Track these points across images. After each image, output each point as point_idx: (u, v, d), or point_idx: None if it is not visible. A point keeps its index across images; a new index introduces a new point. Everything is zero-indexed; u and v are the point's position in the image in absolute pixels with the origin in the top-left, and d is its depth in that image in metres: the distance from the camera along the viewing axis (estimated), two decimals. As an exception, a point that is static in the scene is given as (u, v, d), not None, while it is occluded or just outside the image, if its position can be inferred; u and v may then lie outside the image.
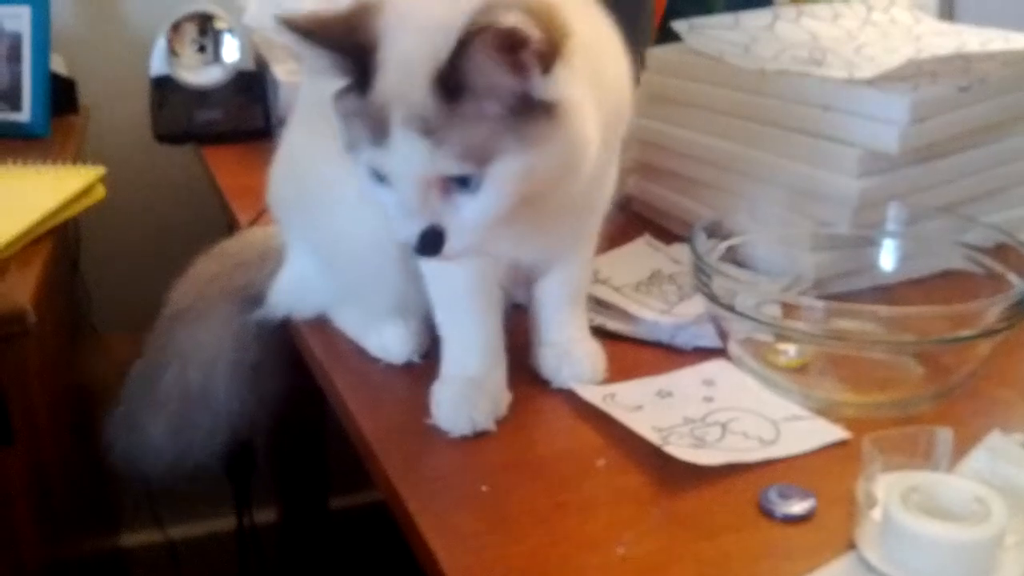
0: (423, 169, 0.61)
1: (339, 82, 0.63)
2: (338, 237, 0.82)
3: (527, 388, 0.78)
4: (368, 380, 0.82)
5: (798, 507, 0.63)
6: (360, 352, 0.85)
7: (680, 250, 0.98)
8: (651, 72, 1.09)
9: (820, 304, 0.75)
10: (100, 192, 1.17)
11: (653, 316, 0.86)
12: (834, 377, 0.75)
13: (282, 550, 1.68)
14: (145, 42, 1.47)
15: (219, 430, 0.92)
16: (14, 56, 1.40)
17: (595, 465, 0.69)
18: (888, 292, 0.87)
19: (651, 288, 0.92)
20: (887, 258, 0.88)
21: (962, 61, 0.92)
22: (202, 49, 1.44)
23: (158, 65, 1.44)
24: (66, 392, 1.21)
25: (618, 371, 0.80)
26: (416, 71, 0.60)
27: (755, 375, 0.77)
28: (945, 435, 0.63)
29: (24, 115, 1.40)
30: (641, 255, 0.99)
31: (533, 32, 0.57)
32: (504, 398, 0.76)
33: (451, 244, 0.63)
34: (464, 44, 0.58)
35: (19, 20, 1.40)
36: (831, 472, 0.66)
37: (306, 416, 1.50)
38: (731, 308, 0.75)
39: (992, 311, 0.71)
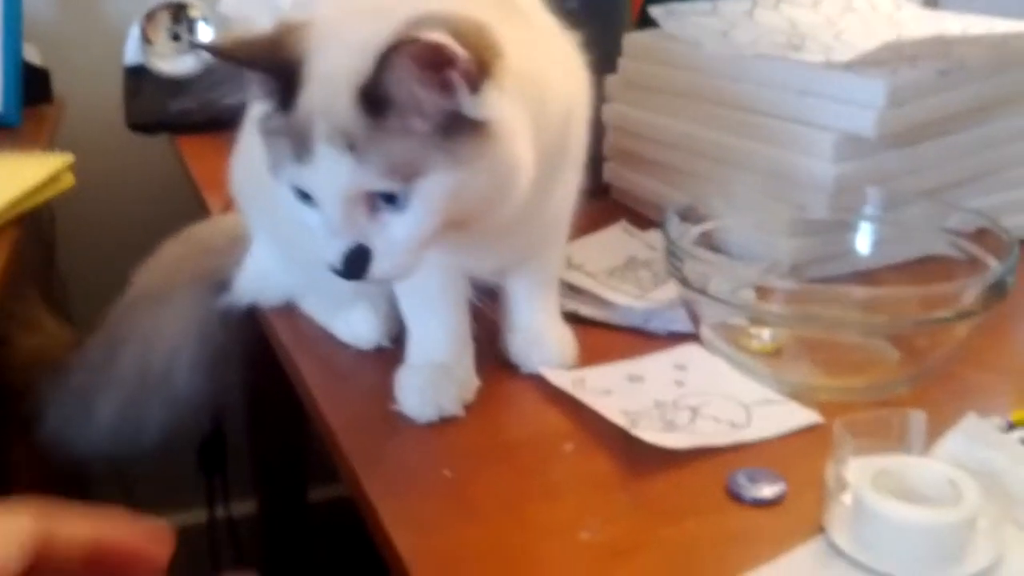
0: (347, 185, 0.59)
1: (267, 105, 0.62)
2: (297, 228, 0.80)
3: (496, 373, 0.76)
4: (334, 366, 0.80)
5: (767, 491, 0.61)
6: (328, 337, 0.83)
7: (656, 237, 0.96)
8: (628, 58, 1.08)
9: (793, 286, 0.73)
10: (69, 180, 1.14)
11: (627, 301, 0.85)
12: (808, 361, 0.74)
13: (261, 542, 1.66)
14: (120, 31, 1.45)
15: (177, 417, 0.89)
16: (-14, 46, 1.37)
17: (563, 450, 0.68)
18: (867, 277, 0.85)
19: (626, 274, 0.90)
20: (865, 243, 0.87)
21: (942, 45, 0.91)
22: (176, 37, 1.42)
23: (132, 54, 1.42)
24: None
25: (590, 356, 0.78)
26: (340, 86, 0.58)
27: (728, 360, 0.76)
28: (918, 418, 0.61)
29: (-5, 105, 1.37)
30: (617, 241, 0.98)
31: (458, 51, 0.56)
32: (472, 384, 0.74)
33: (378, 264, 0.61)
34: (386, 57, 0.57)
35: (-9, 10, 1.37)
36: (803, 456, 0.65)
37: (281, 405, 1.48)
38: (703, 292, 0.73)
39: (968, 293, 0.70)
